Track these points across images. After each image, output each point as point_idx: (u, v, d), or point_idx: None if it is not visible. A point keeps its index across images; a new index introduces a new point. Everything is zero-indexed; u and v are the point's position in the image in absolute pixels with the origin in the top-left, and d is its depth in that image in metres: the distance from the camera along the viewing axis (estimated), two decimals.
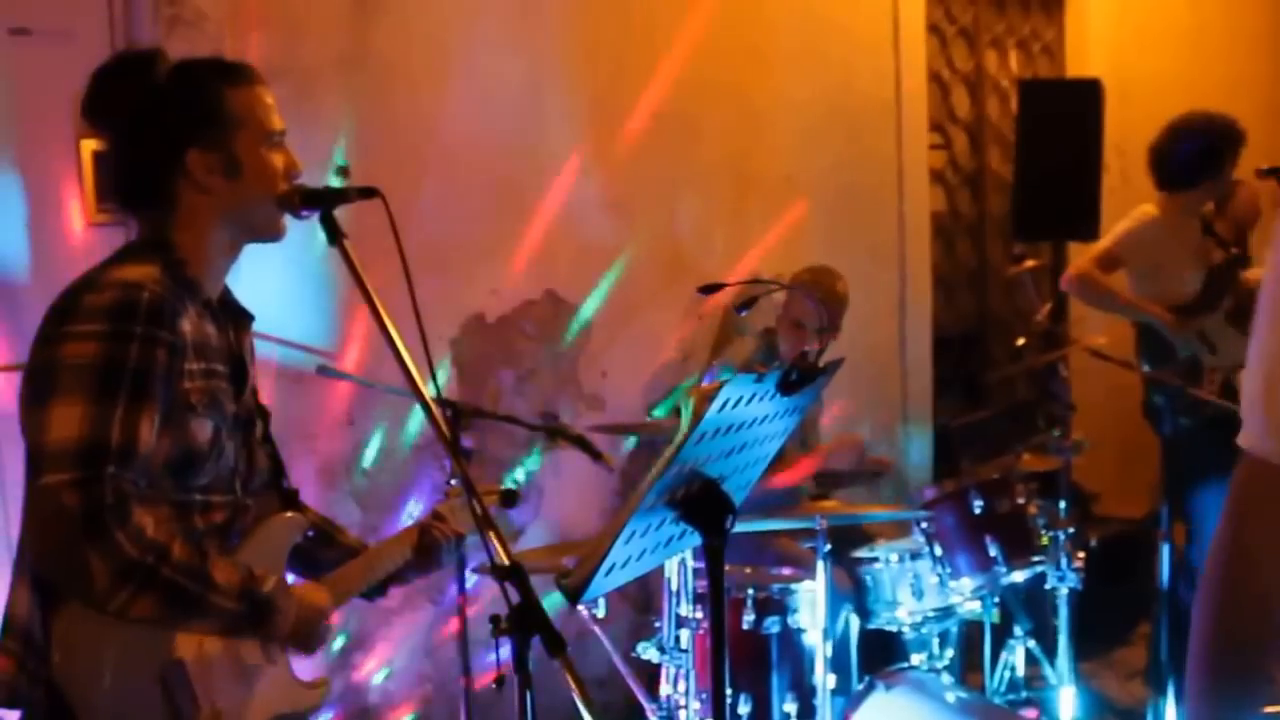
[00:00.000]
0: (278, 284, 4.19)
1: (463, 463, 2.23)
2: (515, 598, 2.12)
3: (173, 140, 2.48)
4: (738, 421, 2.28)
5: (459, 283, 4.82)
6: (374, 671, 4.69)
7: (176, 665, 2.36)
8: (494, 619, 2.09)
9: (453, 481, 3.05)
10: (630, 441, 5.30)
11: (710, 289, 3.24)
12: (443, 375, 4.75)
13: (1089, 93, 6.06)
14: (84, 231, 4.02)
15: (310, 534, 2.77)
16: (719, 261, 5.66)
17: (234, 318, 2.66)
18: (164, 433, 2.35)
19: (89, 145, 3.99)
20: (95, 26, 4.07)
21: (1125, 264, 5.44)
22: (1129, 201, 6.26)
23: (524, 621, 2.05)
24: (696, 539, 2.45)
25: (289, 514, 2.67)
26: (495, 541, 2.11)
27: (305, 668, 2.63)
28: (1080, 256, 5.56)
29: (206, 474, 2.45)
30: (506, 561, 2.10)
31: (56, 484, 2.21)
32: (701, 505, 2.34)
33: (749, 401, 2.25)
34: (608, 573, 2.21)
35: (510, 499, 3.02)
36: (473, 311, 4.89)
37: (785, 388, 2.27)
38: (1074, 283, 5.46)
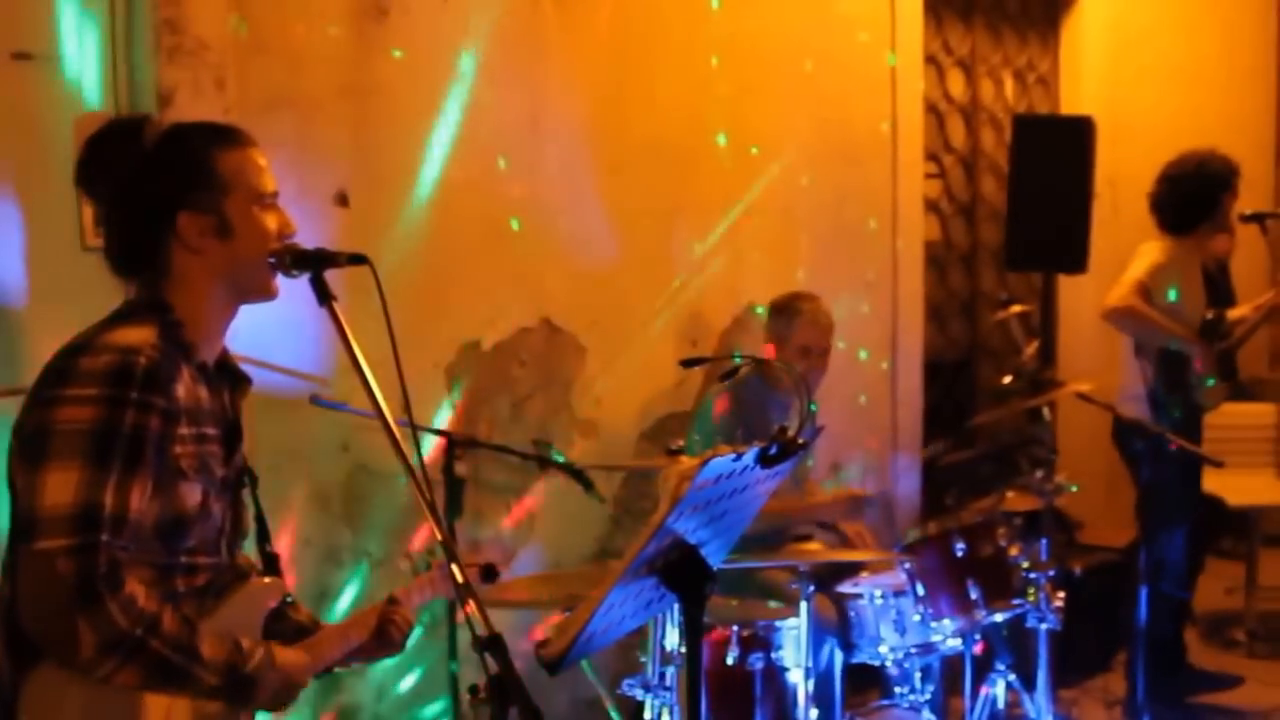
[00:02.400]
0: (273, 310, 4.22)
1: (446, 533, 2.26)
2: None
3: (164, 203, 2.51)
4: (717, 495, 2.32)
5: (456, 310, 4.86)
6: (365, 694, 4.72)
7: None
8: (472, 689, 2.13)
9: (415, 553, 3.05)
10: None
11: (691, 363, 3.29)
12: (438, 404, 4.79)
13: (1081, 129, 6.11)
14: (80, 255, 4.04)
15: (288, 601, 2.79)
16: (715, 291, 5.71)
17: (231, 380, 2.69)
18: (154, 497, 2.37)
19: None
20: (98, 53, 4.09)
21: (1153, 297, 5.50)
22: (1119, 234, 6.33)
23: (502, 692, 2.10)
24: (674, 601, 2.50)
25: (269, 579, 2.69)
26: (476, 612, 2.16)
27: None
28: (1117, 289, 5.57)
29: (194, 537, 2.47)
30: (486, 632, 2.15)
31: (51, 549, 2.23)
32: (681, 572, 2.38)
33: (728, 477, 2.29)
34: (587, 641, 2.25)
35: (490, 575, 3.01)
36: (469, 339, 4.93)
37: (765, 462, 2.32)
38: (1118, 314, 5.50)
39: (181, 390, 2.43)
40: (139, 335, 2.41)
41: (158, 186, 2.52)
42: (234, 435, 2.64)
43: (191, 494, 2.44)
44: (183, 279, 2.55)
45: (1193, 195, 5.51)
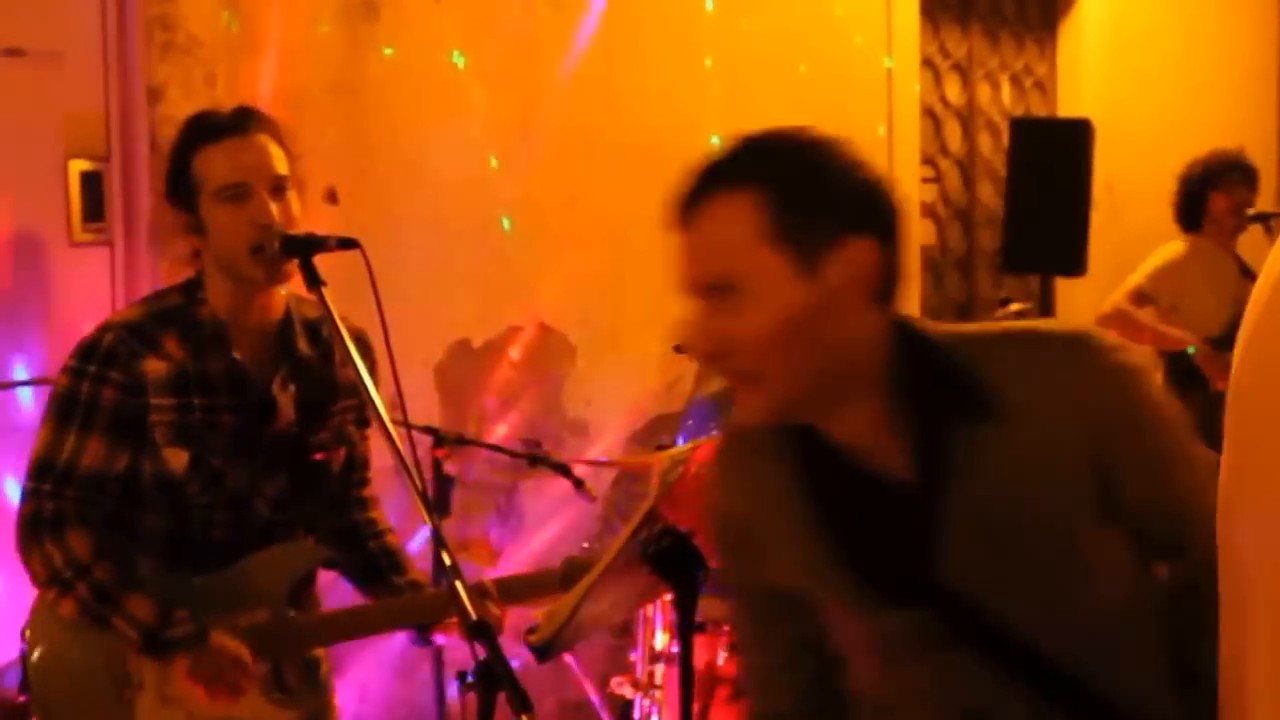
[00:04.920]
0: None
1: (437, 523, 2.24)
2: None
3: (169, 201, 2.78)
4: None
5: (446, 308, 4.83)
6: (347, 694, 4.69)
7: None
8: (461, 675, 2.11)
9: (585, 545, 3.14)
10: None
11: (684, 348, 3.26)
12: (427, 400, 4.77)
13: (1079, 131, 6.08)
14: (68, 251, 4.03)
15: (331, 562, 2.99)
16: None
17: (282, 354, 2.83)
18: (144, 459, 2.68)
19: (77, 166, 4.02)
20: (89, 49, 4.07)
21: (1154, 300, 5.53)
22: (1118, 237, 6.30)
23: (491, 678, 2.07)
24: (666, 590, 2.46)
25: (302, 543, 2.88)
26: (464, 597, 2.13)
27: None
28: (1114, 293, 5.69)
29: (204, 495, 2.72)
30: (474, 618, 2.12)
31: (23, 490, 2.68)
32: (673, 560, 2.35)
33: None
34: (576, 629, 2.22)
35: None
36: (458, 337, 4.90)
37: None
38: (1110, 321, 5.57)
39: (157, 365, 2.67)
40: (124, 315, 2.76)
41: (165, 185, 2.79)
42: (269, 404, 2.78)
43: (176, 457, 2.68)
44: (204, 265, 2.78)
45: (1185, 191, 5.54)
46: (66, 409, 2.66)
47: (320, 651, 2.97)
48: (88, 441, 2.64)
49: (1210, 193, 5.55)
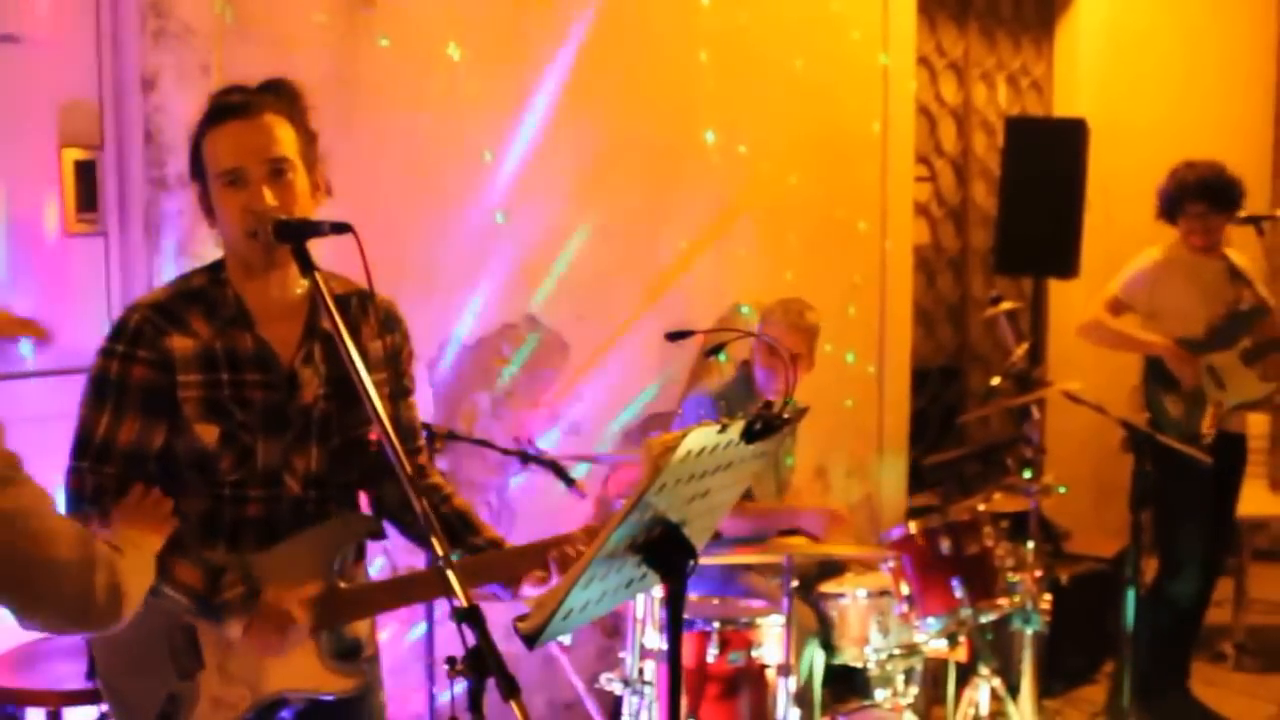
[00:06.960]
0: None
1: (427, 509, 2.23)
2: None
3: (194, 180, 2.80)
4: (700, 470, 2.28)
5: (439, 304, 4.82)
6: None
7: (186, 628, 2.73)
8: (449, 660, 2.10)
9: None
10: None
11: (678, 336, 3.25)
12: (419, 396, 4.74)
13: (1074, 132, 6.08)
14: (62, 240, 4.01)
15: (379, 533, 2.98)
16: (700, 290, 5.66)
17: (306, 330, 2.83)
18: (176, 436, 2.72)
19: (71, 154, 3.99)
20: (83, 36, 4.06)
21: (1130, 307, 5.55)
22: (1111, 240, 6.29)
23: (479, 664, 2.06)
24: (656, 581, 2.46)
25: (347, 515, 2.91)
26: (454, 583, 2.13)
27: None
28: (1091, 302, 5.71)
29: (235, 471, 2.75)
30: (464, 603, 2.11)
31: (66, 469, 2.72)
32: (662, 551, 2.34)
33: (711, 451, 2.25)
34: (565, 617, 2.21)
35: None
36: (451, 332, 4.88)
37: (749, 437, 2.28)
38: (1088, 330, 5.63)
39: (185, 342, 2.72)
40: (151, 295, 2.80)
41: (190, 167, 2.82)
42: (293, 378, 2.79)
43: (207, 433, 2.72)
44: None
45: (1160, 203, 5.58)
46: (100, 388, 2.71)
47: (364, 635, 2.98)
48: (122, 418, 2.70)
49: (1178, 217, 5.57)
